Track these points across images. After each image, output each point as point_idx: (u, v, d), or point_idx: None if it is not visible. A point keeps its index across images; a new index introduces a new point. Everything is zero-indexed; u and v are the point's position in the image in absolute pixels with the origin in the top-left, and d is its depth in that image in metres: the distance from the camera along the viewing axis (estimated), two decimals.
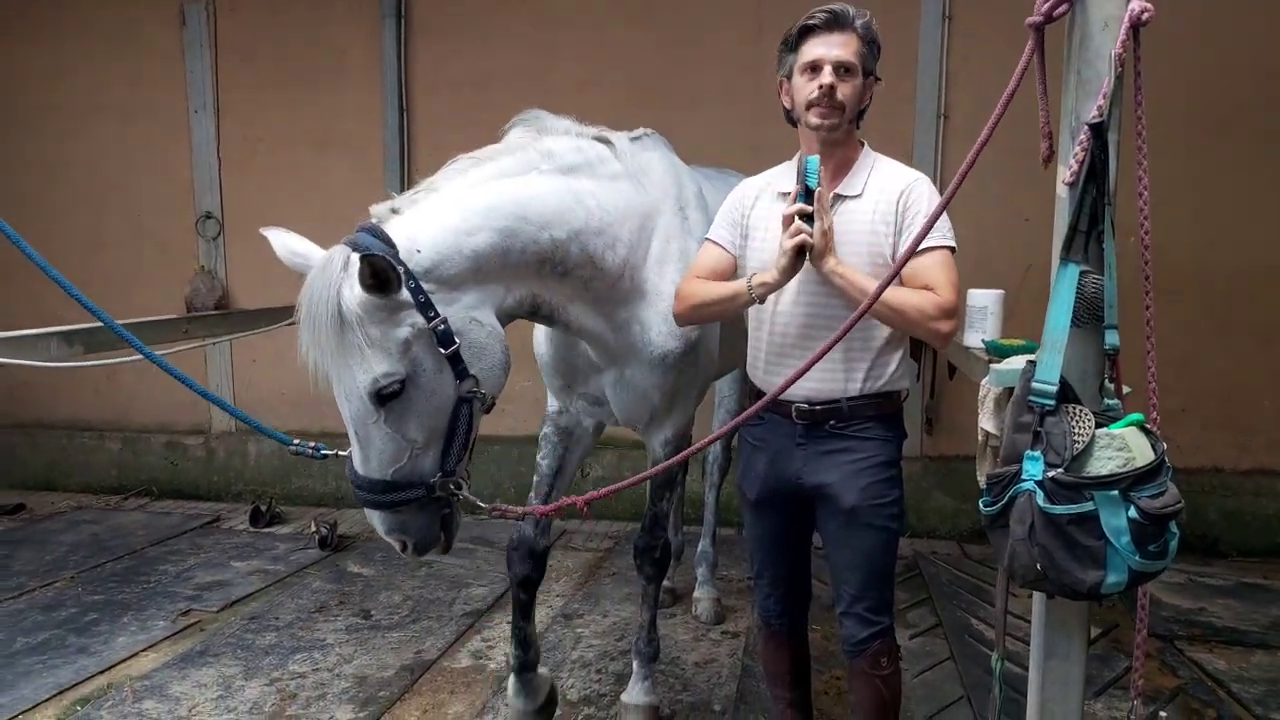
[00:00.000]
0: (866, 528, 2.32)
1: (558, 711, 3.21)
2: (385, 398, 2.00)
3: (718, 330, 2.85)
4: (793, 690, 2.66)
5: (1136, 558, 1.67)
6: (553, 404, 3.02)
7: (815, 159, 2.13)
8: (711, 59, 5.34)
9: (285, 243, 2.14)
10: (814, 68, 2.22)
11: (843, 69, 2.20)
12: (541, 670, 3.07)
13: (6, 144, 6.37)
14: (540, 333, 2.84)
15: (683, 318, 2.51)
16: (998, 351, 2.65)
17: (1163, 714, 3.26)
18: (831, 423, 2.32)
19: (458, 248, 2.14)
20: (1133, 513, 1.66)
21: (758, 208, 2.43)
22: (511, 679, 3.01)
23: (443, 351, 2.07)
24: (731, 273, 2.43)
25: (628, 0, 5.44)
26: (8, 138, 6.37)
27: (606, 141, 2.60)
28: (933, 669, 3.58)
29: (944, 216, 2.26)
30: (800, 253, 2.14)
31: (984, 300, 3.07)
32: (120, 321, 3.82)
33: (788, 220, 2.13)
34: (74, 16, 6.15)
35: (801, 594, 2.63)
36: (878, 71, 2.32)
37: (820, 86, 2.19)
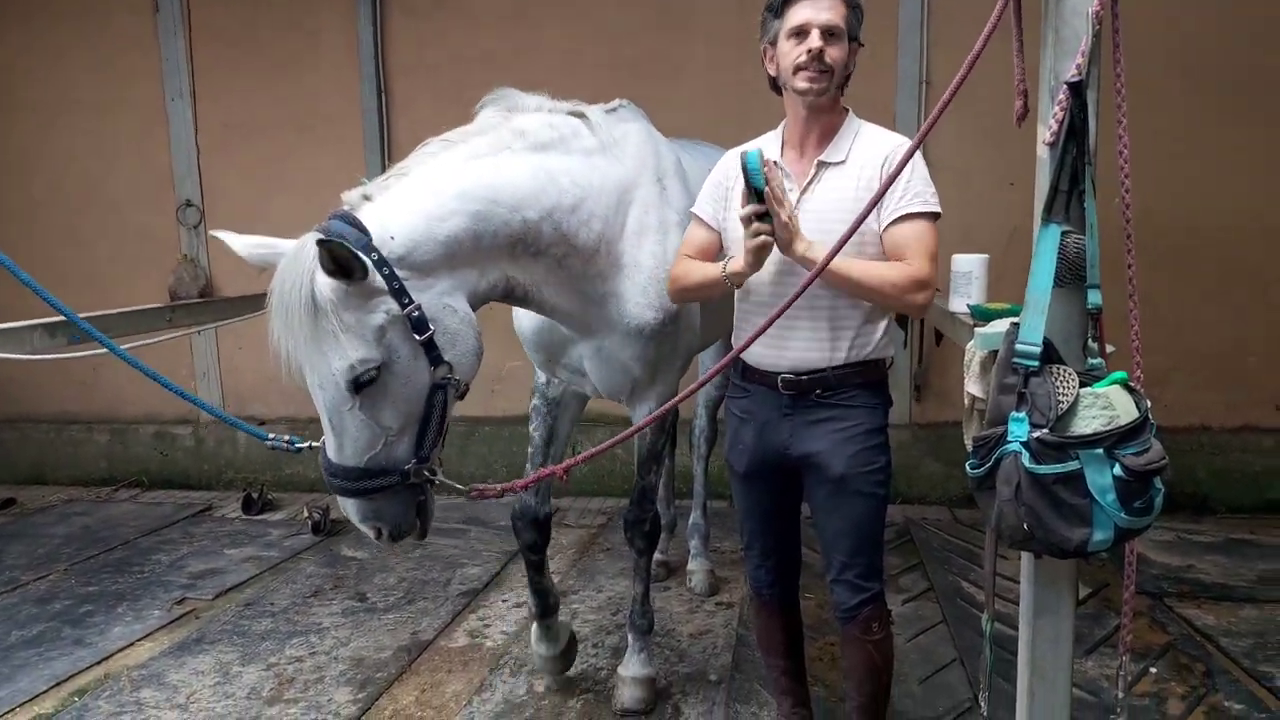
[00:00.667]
0: (855, 495, 2.33)
1: (554, 688, 3.24)
2: (361, 384, 2.00)
3: (697, 314, 2.86)
4: (787, 659, 2.68)
5: (1122, 515, 1.68)
6: (539, 376, 3.06)
7: (755, 153, 2.06)
8: (695, 33, 5.30)
9: (244, 242, 2.13)
10: (801, 32, 2.20)
11: (829, 32, 2.18)
12: (561, 618, 3.22)
13: None
14: (520, 311, 2.84)
15: (675, 298, 2.53)
16: (982, 315, 2.65)
17: (1153, 669, 3.30)
18: (818, 392, 2.32)
19: (430, 234, 2.12)
20: (1118, 470, 1.67)
21: (741, 179, 2.41)
22: (534, 627, 3.18)
23: (417, 338, 2.06)
24: (716, 243, 2.44)
25: None
26: None
27: (581, 115, 2.58)
28: (925, 633, 3.61)
29: (928, 181, 2.27)
30: (764, 250, 2.14)
31: (968, 265, 3.08)
32: (103, 312, 3.81)
33: (745, 221, 2.12)
34: (43, 6, 6.05)
35: (792, 564, 2.64)
36: (861, 37, 2.30)
37: (809, 50, 2.17)
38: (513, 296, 2.43)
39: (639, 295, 2.60)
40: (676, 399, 2.28)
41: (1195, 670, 3.29)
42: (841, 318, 2.29)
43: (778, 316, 2.00)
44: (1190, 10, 4.81)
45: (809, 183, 2.29)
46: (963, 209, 5.01)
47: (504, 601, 4.05)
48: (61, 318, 3.55)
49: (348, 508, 2.16)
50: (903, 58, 5.04)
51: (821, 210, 2.24)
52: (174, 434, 6.33)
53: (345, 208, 2.12)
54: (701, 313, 2.89)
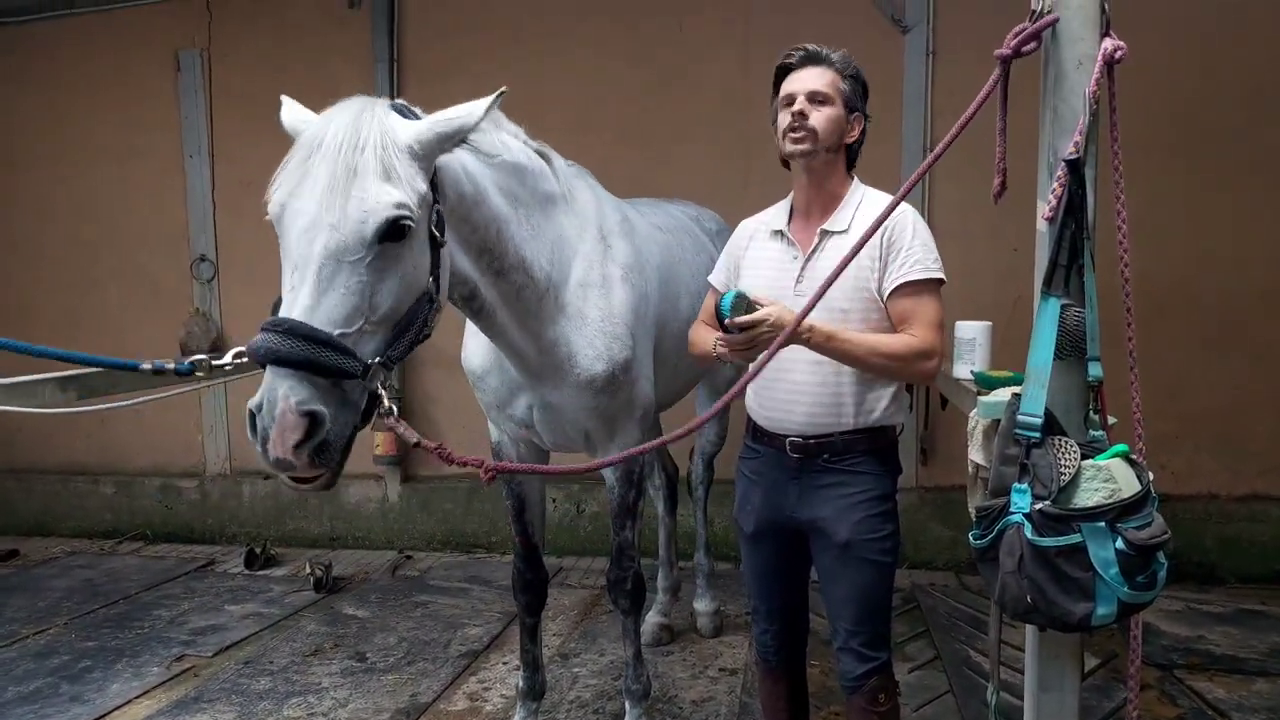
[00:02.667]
0: (861, 562, 2.33)
1: None
2: (387, 234, 1.82)
3: (650, 360, 2.91)
4: None
5: (1125, 589, 1.67)
6: (493, 434, 3.09)
7: (729, 296, 2.14)
8: (702, 92, 5.42)
9: (292, 112, 2.18)
10: (790, 100, 2.29)
11: (813, 97, 2.27)
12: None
13: (3, 187, 6.42)
14: (471, 345, 2.88)
15: (694, 361, 2.63)
16: (985, 383, 2.67)
17: None
18: (825, 456, 2.34)
19: (455, 175, 2.17)
20: (1120, 544, 1.67)
21: (751, 248, 2.50)
22: (517, 711, 3.23)
23: (436, 234, 1.99)
24: None
25: (618, 39, 5.52)
26: (4, 181, 6.42)
27: (547, 158, 2.66)
28: (932, 703, 3.56)
29: (929, 248, 2.33)
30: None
31: (971, 332, 3.10)
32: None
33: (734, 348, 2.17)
34: (70, 62, 6.22)
35: (798, 628, 2.62)
36: (868, 110, 2.37)
37: (793, 114, 2.26)
38: (474, 302, 2.39)
39: (587, 347, 2.64)
40: (657, 442, 2.25)
41: None
42: (849, 383, 2.31)
43: (752, 377, 2.05)
44: (1190, 76, 4.90)
45: (813, 251, 2.35)
46: (966, 275, 5.04)
47: (504, 664, 4.01)
48: (72, 372, 3.60)
49: (283, 389, 1.69)
50: (907, 128, 5.13)
51: (824, 278, 2.28)
52: (179, 487, 6.33)
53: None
54: (657, 371, 2.94)
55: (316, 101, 6.30)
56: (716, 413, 2.21)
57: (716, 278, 2.58)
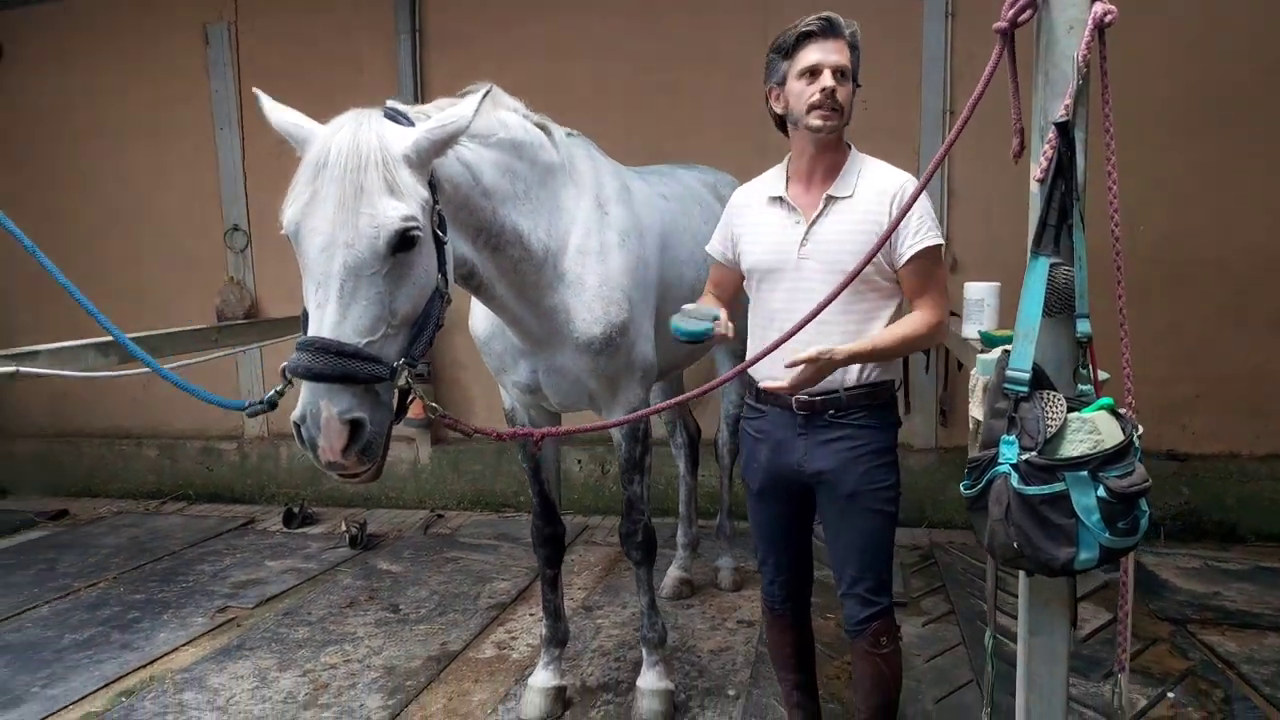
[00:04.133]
0: (864, 511, 2.42)
1: (577, 699, 3.35)
2: (399, 246, 1.94)
3: (650, 323, 3.00)
4: (798, 673, 2.76)
5: (1106, 535, 1.75)
6: (506, 401, 3.22)
7: (678, 330, 2.38)
8: (717, 65, 5.44)
9: (279, 112, 2.19)
10: (814, 72, 2.32)
11: (840, 73, 2.32)
12: (564, 681, 3.39)
13: (46, 164, 6.64)
14: (477, 312, 2.99)
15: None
16: (989, 342, 2.74)
17: (1170, 694, 3.32)
18: (830, 413, 2.42)
19: (450, 168, 2.26)
20: (1101, 492, 1.75)
21: (747, 215, 2.56)
22: (539, 661, 3.34)
23: (439, 234, 2.11)
24: (733, 279, 2.63)
25: (638, 6, 5.55)
26: (48, 158, 6.63)
27: (546, 130, 2.74)
28: (944, 654, 3.66)
29: (929, 213, 2.39)
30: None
31: (980, 293, 3.16)
32: (154, 332, 4.02)
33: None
34: (105, 40, 6.38)
35: (804, 579, 2.73)
36: (860, 79, 2.43)
37: (823, 90, 2.30)
38: (473, 280, 2.53)
39: (585, 311, 2.75)
40: (673, 401, 2.46)
41: (1214, 696, 3.31)
42: (852, 341, 2.38)
43: (775, 347, 2.15)
44: (1215, 45, 4.85)
45: (818, 215, 2.41)
46: (983, 236, 5.09)
47: (531, 615, 4.17)
48: (113, 337, 3.76)
49: (324, 402, 1.86)
50: (927, 92, 5.12)
51: (830, 241, 2.37)
52: (220, 449, 6.56)
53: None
54: (658, 334, 3.03)
55: (341, 74, 6.48)
56: (730, 379, 2.32)
57: (714, 248, 2.65)
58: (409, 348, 2.04)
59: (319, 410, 1.87)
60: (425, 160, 2.06)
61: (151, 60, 6.34)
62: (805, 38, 2.36)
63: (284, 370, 1.96)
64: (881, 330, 2.37)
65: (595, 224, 2.81)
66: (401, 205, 1.95)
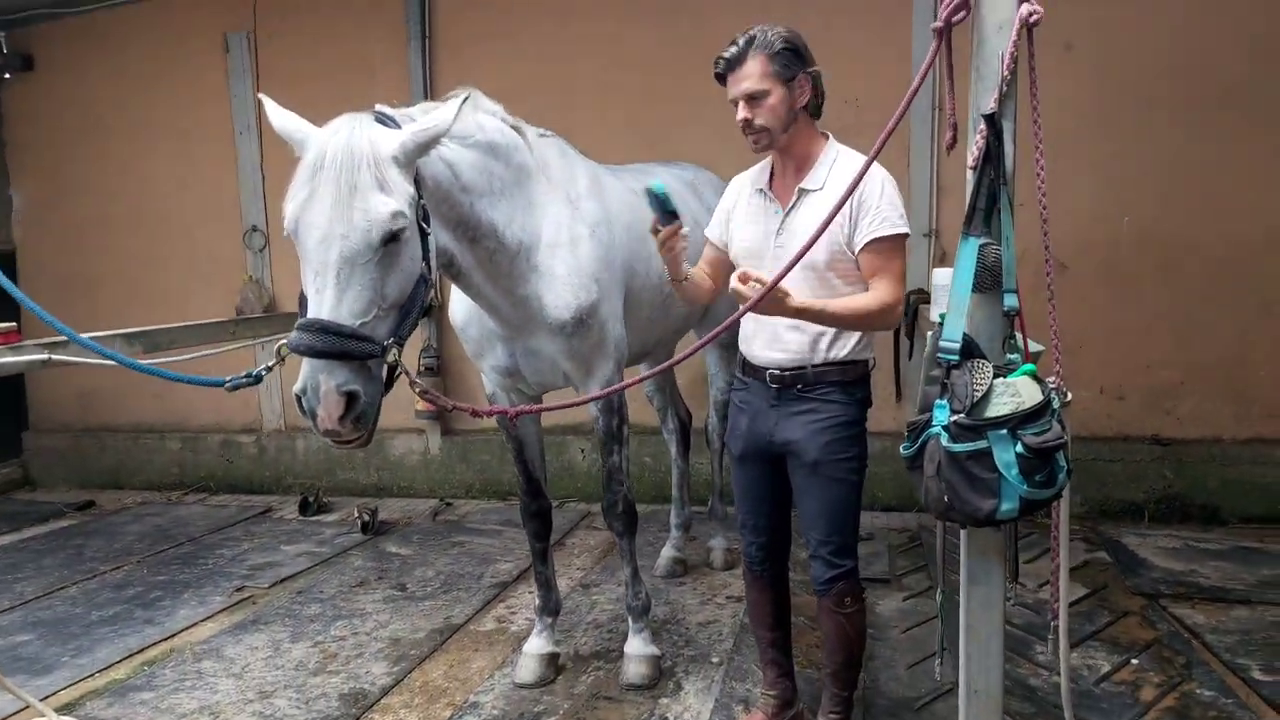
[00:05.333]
0: (829, 479, 2.62)
1: (570, 665, 3.55)
2: (389, 238, 2.18)
3: (619, 303, 3.20)
4: (774, 630, 2.95)
5: (1025, 487, 1.93)
6: (487, 385, 3.45)
7: (655, 185, 2.50)
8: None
9: (281, 115, 2.45)
10: (734, 103, 2.55)
11: (752, 97, 2.51)
12: (558, 648, 3.60)
13: (73, 169, 6.93)
14: (455, 301, 3.21)
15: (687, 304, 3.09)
16: None
17: (1134, 660, 3.48)
18: (799, 387, 2.63)
19: (433, 166, 2.49)
20: (1019, 448, 1.93)
21: (739, 203, 2.78)
22: (532, 633, 3.55)
23: (424, 226, 2.35)
24: (723, 261, 2.82)
25: (641, 10, 5.76)
26: (75, 163, 6.92)
27: (520, 131, 2.97)
28: (920, 625, 3.82)
29: (898, 204, 2.56)
30: (676, 264, 2.64)
31: (946, 278, 3.32)
32: (170, 325, 4.26)
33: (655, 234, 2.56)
34: (128, 49, 6.67)
35: (782, 542, 2.92)
36: (806, 67, 2.55)
37: (740, 120, 2.54)
38: (453, 268, 2.76)
39: (554, 299, 2.97)
40: (650, 373, 2.83)
41: (1175, 663, 3.46)
42: (822, 324, 2.57)
43: (724, 329, 2.31)
44: (1193, 31, 4.99)
45: (790, 207, 2.61)
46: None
47: (530, 593, 4.32)
48: (139, 329, 4.00)
49: (322, 376, 2.12)
50: (917, 58, 5.27)
51: (801, 232, 2.52)
52: (239, 442, 6.81)
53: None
54: (630, 316, 3.26)
55: (355, 78, 6.76)
56: (696, 351, 2.50)
57: (711, 231, 2.87)
58: (397, 328, 2.28)
59: (318, 383, 2.14)
60: (411, 160, 2.30)
61: (173, 68, 6.62)
62: (719, 78, 2.60)
63: (279, 349, 2.24)
64: (837, 299, 2.53)
65: (566, 219, 3.04)
66: (391, 201, 2.20)
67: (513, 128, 2.94)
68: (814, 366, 2.61)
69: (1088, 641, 3.65)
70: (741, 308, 2.32)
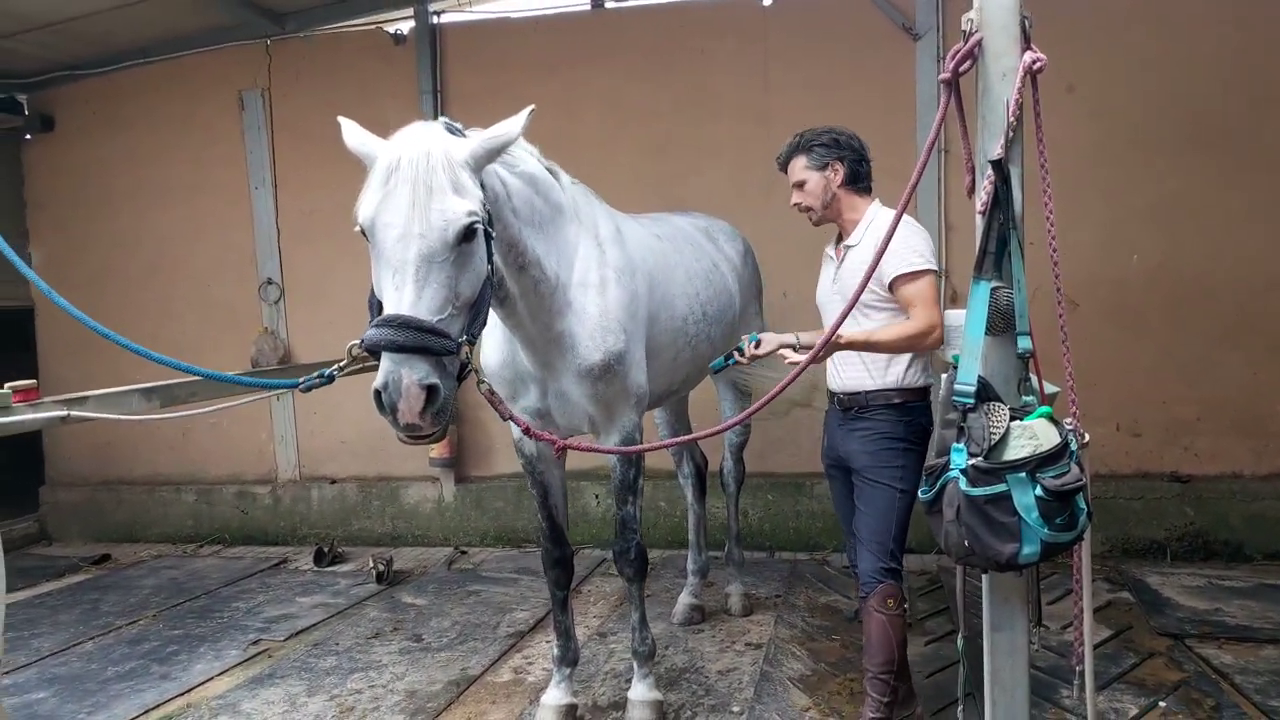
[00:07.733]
0: (873, 485, 2.94)
1: (588, 716, 3.51)
2: (464, 237, 2.28)
3: (642, 351, 3.27)
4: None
5: (1045, 530, 1.93)
6: (515, 432, 3.39)
7: (714, 365, 3.12)
8: (722, 111, 5.72)
9: (354, 133, 2.54)
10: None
11: (799, 184, 3.06)
12: (575, 699, 3.53)
13: (89, 223, 7.03)
14: (487, 344, 3.24)
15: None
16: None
17: (1162, 703, 3.42)
18: (857, 409, 3.02)
19: (491, 180, 2.58)
20: (1039, 491, 1.93)
21: (823, 261, 3.23)
22: (551, 682, 3.52)
23: (488, 229, 2.43)
24: None
25: (644, 66, 5.88)
26: (90, 218, 7.02)
27: (554, 174, 3.08)
28: (943, 670, 3.78)
29: (916, 246, 2.87)
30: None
31: (958, 319, 3.34)
32: (193, 377, 4.29)
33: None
34: (146, 107, 6.79)
35: None
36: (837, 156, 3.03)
37: (793, 204, 3.11)
38: (500, 290, 2.80)
39: (587, 339, 3.03)
40: (700, 435, 2.80)
41: (1204, 704, 3.40)
42: (874, 355, 2.96)
43: (799, 374, 2.48)
44: (1202, 76, 5.07)
45: (840, 262, 3.08)
46: None
47: (547, 642, 4.32)
48: (155, 383, 4.02)
49: (404, 370, 2.15)
50: (920, 134, 5.36)
51: (846, 281, 3.00)
52: (254, 493, 6.82)
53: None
54: (652, 362, 3.34)
55: (369, 131, 6.77)
56: (749, 416, 2.60)
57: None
58: (469, 326, 2.38)
59: (400, 377, 2.17)
60: (480, 165, 2.43)
61: (189, 125, 6.74)
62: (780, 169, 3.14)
63: (351, 348, 2.32)
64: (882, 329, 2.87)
65: (595, 260, 3.12)
66: (466, 202, 2.31)
67: (548, 170, 3.04)
68: (868, 392, 2.99)
69: (1114, 684, 3.59)
70: (793, 371, 2.49)
